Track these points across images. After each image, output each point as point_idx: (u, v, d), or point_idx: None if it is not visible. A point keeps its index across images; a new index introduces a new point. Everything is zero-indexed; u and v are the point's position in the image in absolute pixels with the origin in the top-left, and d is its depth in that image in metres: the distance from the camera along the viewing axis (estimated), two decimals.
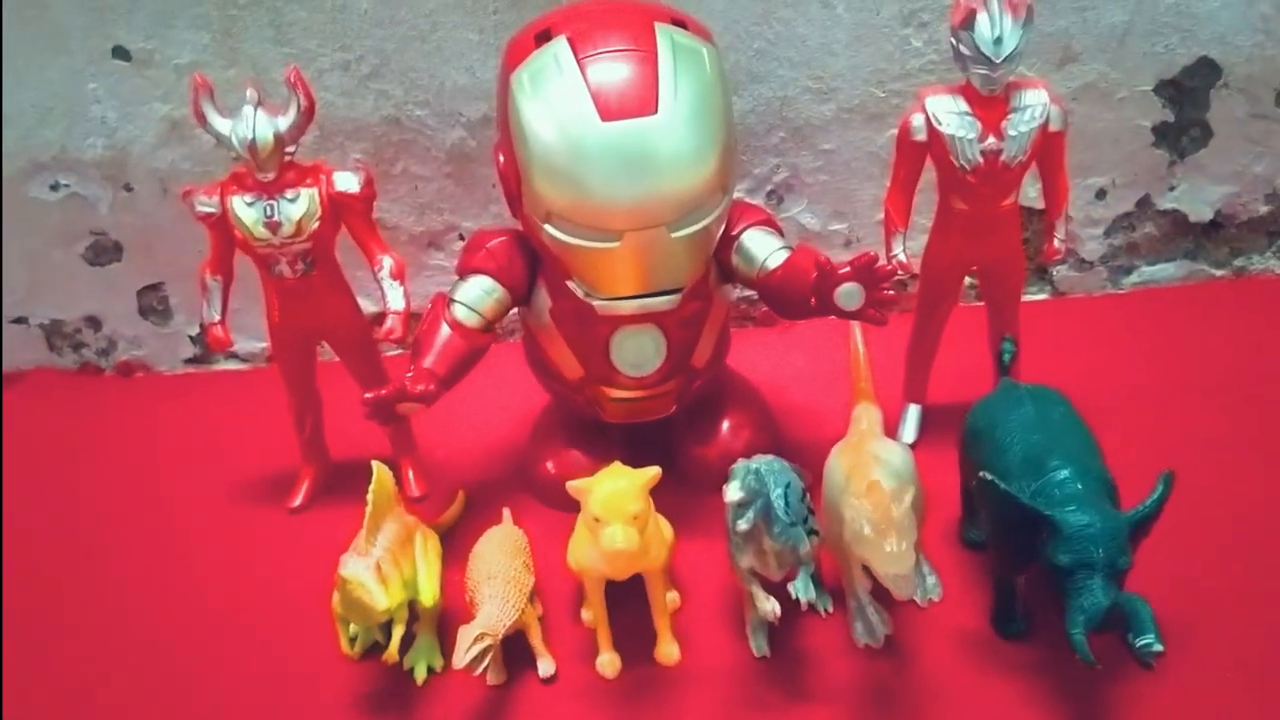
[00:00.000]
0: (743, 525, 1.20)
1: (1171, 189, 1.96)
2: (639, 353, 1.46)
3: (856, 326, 1.46)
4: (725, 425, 1.63)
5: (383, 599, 1.26)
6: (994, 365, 1.51)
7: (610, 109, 1.30)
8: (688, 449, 1.60)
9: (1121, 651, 1.13)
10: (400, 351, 1.94)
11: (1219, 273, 2.03)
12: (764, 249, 1.46)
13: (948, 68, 1.62)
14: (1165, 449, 1.52)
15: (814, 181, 1.93)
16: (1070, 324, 1.93)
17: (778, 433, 1.67)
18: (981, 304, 1.64)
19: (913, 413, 1.69)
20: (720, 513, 1.31)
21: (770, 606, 1.25)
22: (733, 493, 1.20)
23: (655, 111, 1.31)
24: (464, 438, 1.78)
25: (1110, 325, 1.93)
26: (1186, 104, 1.89)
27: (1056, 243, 1.56)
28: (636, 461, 1.29)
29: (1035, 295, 2.02)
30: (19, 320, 2.05)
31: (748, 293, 1.84)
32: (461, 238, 1.94)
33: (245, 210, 1.48)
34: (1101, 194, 1.95)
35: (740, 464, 1.24)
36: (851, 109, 1.86)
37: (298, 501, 1.68)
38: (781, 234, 1.51)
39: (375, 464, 1.35)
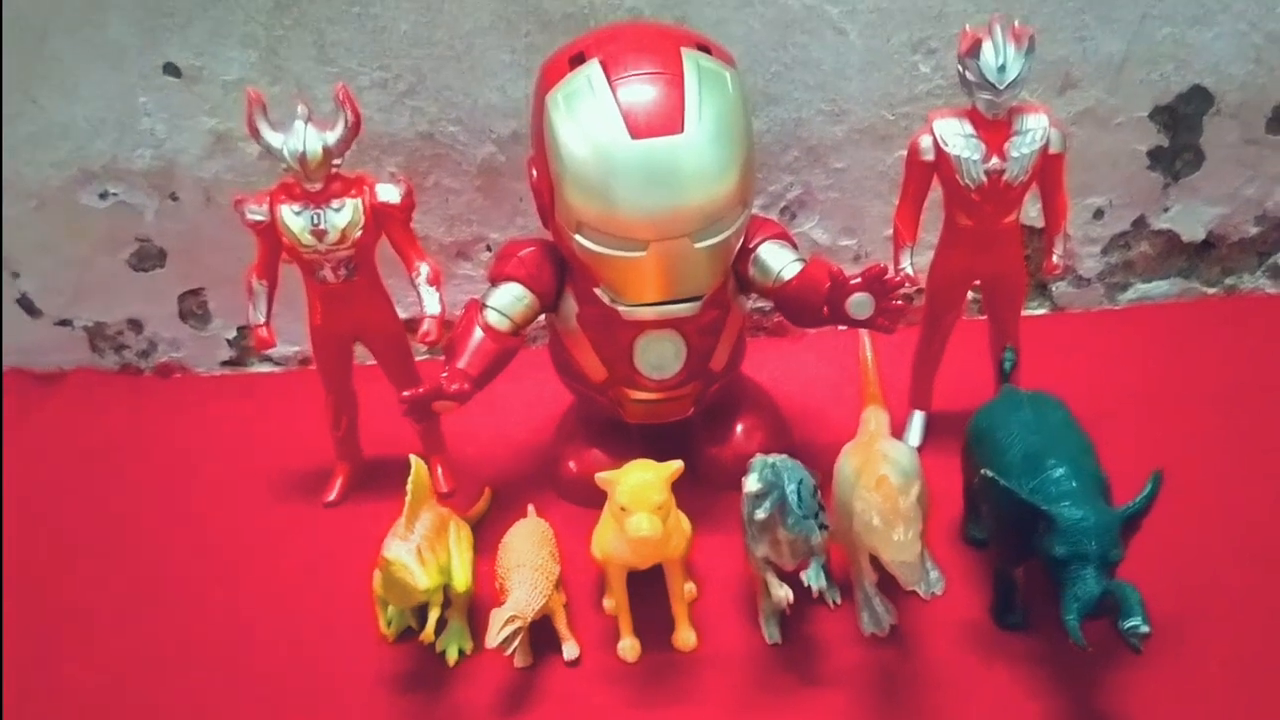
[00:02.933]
0: (760, 515, 1.25)
1: (1166, 210, 1.98)
2: (661, 356, 1.50)
3: (865, 335, 1.51)
4: (740, 427, 1.66)
5: (424, 579, 1.30)
6: (995, 374, 1.55)
7: (639, 128, 1.35)
8: (704, 449, 1.65)
9: (1115, 642, 1.17)
10: (429, 357, 1.96)
11: (1211, 290, 2.06)
12: (779, 261, 1.51)
13: (953, 92, 1.66)
14: (1157, 454, 1.51)
15: (825, 198, 1.95)
16: (1068, 337, 1.95)
17: (789, 436, 1.71)
18: (984, 318, 1.68)
19: (917, 419, 1.73)
20: (735, 509, 1.34)
21: (784, 593, 1.29)
22: (751, 484, 1.25)
23: (681, 130, 1.35)
24: (491, 438, 1.81)
25: (1106, 339, 1.95)
26: (1181, 129, 1.91)
27: (1055, 258, 1.58)
28: (655, 460, 1.33)
29: (1035, 310, 2.05)
30: (64, 322, 2.07)
31: (761, 304, 1.91)
32: (489, 249, 1.97)
33: (293, 219, 1.52)
34: (1099, 214, 1.98)
35: (758, 458, 1.29)
36: (862, 130, 1.89)
37: (332, 496, 1.70)
38: (795, 247, 1.55)
39: (413, 458, 1.40)
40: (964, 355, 1.69)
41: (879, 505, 1.21)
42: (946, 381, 1.71)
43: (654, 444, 1.56)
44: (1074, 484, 1.25)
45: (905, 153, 1.56)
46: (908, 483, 1.26)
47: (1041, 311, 2.07)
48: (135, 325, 2.09)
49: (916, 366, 1.72)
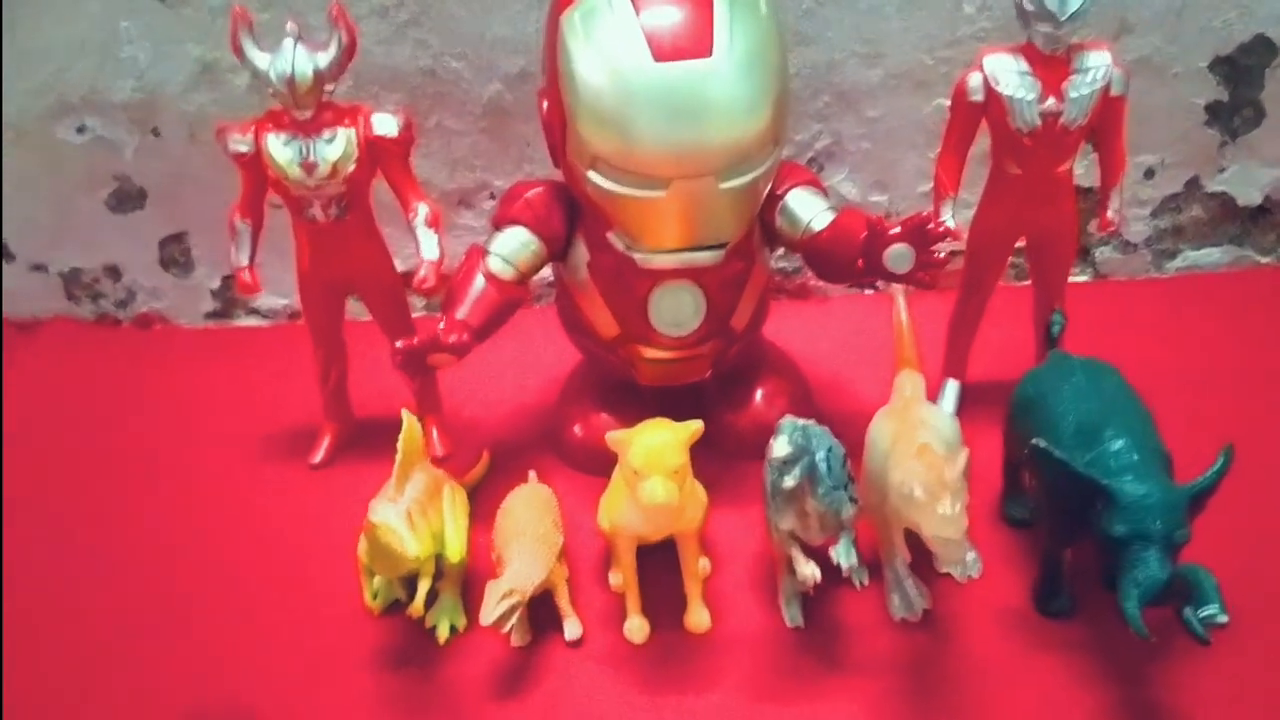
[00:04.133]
0: (789, 482, 1.18)
1: (1221, 171, 1.93)
2: (678, 311, 1.44)
3: (900, 294, 1.44)
4: (759, 394, 1.61)
5: (414, 546, 1.24)
6: (1040, 339, 1.49)
7: (664, 49, 1.28)
8: (720, 416, 1.58)
9: (1171, 630, 1.11)
10: (427, 312, 1.92)
11: (1265, 260, 2.00)
12: (809, 210, 1.45)
13: (1000, 37, 1.60)
14: (1206, 434, 1.49)
15: (856, 150, 1.90)
16: (1111, 307, 1.90)
17: (812, 404, 1.65)
18: (1021, 284, 1.63)
19: (951, 388, 1.67)
20: (752, 481, 1.31)
21: (810, 570, 1.22)
22: (780, 447, 1.18)
23: (710, 54, 1.29)
24: (490, 398, 1.77)
25: (1152, 310, 1.90)
26: (1241, 83, 1.85)
27: (1110, 213, 1.53)
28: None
29: (1077, 276, 1.98)
30: (38, 267, 2.03)
31: (782, 263, 1.89)
32: (493, 196, 1.92)
33: (280, 149, 1.46)
34: (1150, 173, 1.92)
35: (787, 420, 1.22)
36: (899, 75, 1.83)
37: (318, 458, 1.66)
38: (827, 195, 1.49)
39: (405, 413, 1.34)
40: (1000, 323, 1.65)
41: (921, 475, 1.14)
42: (981, 350, 1.67)
43: (667, 409, 1.46)
44: (1135, 457, 1.20)
45: (946, 101, 1.50)
46: (952, 452, 1.18)
47: (1084, 279, 2.01)
48: (113, 272, 2.04)
49: (952, 332, 1.66)
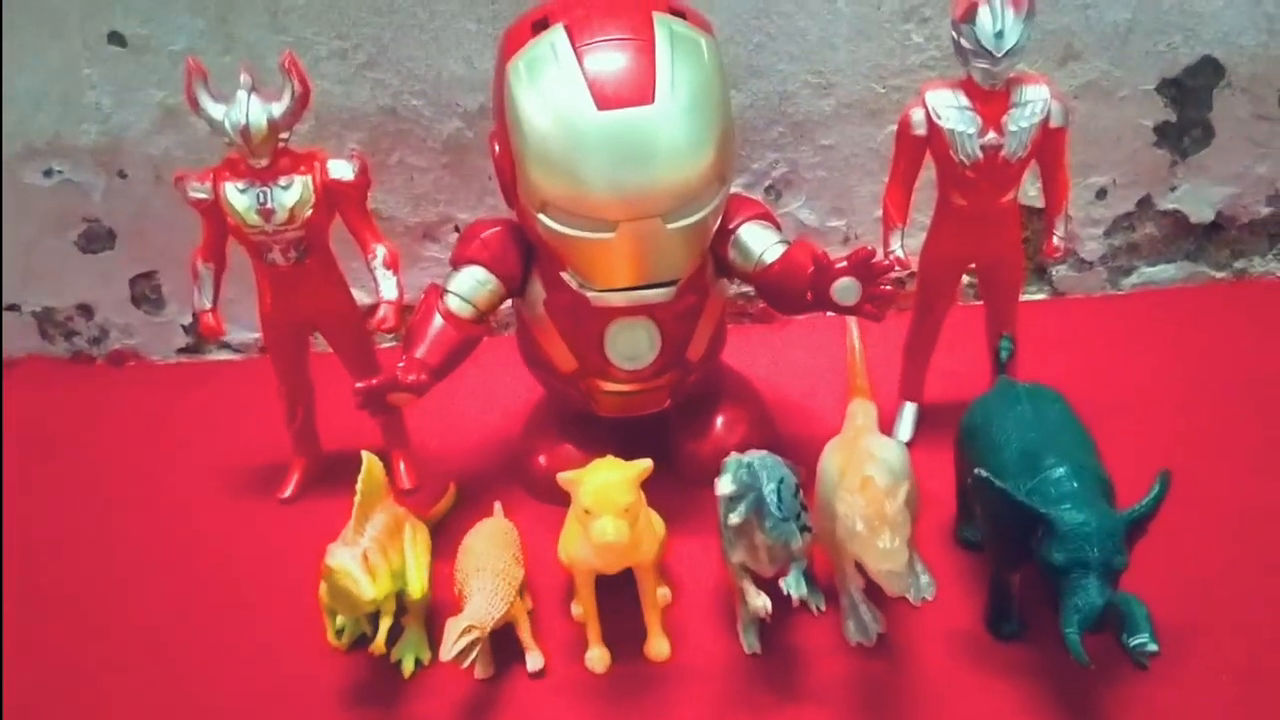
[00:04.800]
0: (734, 519, 1.19)
1: (1173, 189, 1.94)
2: (633, 345, 1.44)
3: (853, 322, 1.45)
4: (719, 420, 1.61)
5: (369, 589, 1.24)
6: (991, 364, 1.49)
7: (606, 98, 1.29)
8: (681, 444, 1.59)
9: (1118, 653, 1.12)
10: (394, 343, 1.92)
11: (1219, 275, 2.02)
12: (761, 243, 1.45)
13: (949, 64, 1.61)
14: (1162, 451, 1.51)
15: (813, 177, 1.91)
16: (1069, 324, 1.91)
17: (773, 429, 1.65)
18: (979, 303, 1.63)
19: (909, 411, 1.68)
20: (713, 508, 1.28)
21: (761, 602, 1.23)
22: (724, 486, 1.19)
23: (652, 101, 1.29)
24: (456, 431, 1.77)
25: (1109, 326, 1.91)
26: (1189, 104, 1.87)
27: (1056, 240, 1.54)
28: (629, 456, 1.28)
29: (1034, 295, 2.01)
30: (11, 308, 2.03)
31: (745, 288, 1.82)
32: (457, 230, 1.93)
33: (238, 197, 1.47)
34: (1102, 193, 1.94)
35: (733, 458, 1.22)
36: (851, 104, 1.85)
37: (288, 492, 1.66)
38: (779, 228, 1.49)
39: (365, 454, 1.34)
40: (958, 343, 1.65)
41: (862, 509, 1.15)
42: (940, 372, 1.67)
43: (629, 438, 1.50)
44: (1075, 485, 1.19)
45: (896, 128, 1.51)
46: (895, 484, 1.19)
47: (1040, 297, 2.02)
48: (85, 311, 2.05)
49: (907, 356, 1.67)
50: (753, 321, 2.00)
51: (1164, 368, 1.76)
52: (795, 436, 1.65)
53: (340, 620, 1.34)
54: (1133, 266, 2.01)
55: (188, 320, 2.04)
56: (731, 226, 1.45)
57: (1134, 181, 1.93)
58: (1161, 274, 2.01)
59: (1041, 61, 1.78)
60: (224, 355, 2.07)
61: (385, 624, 1.29)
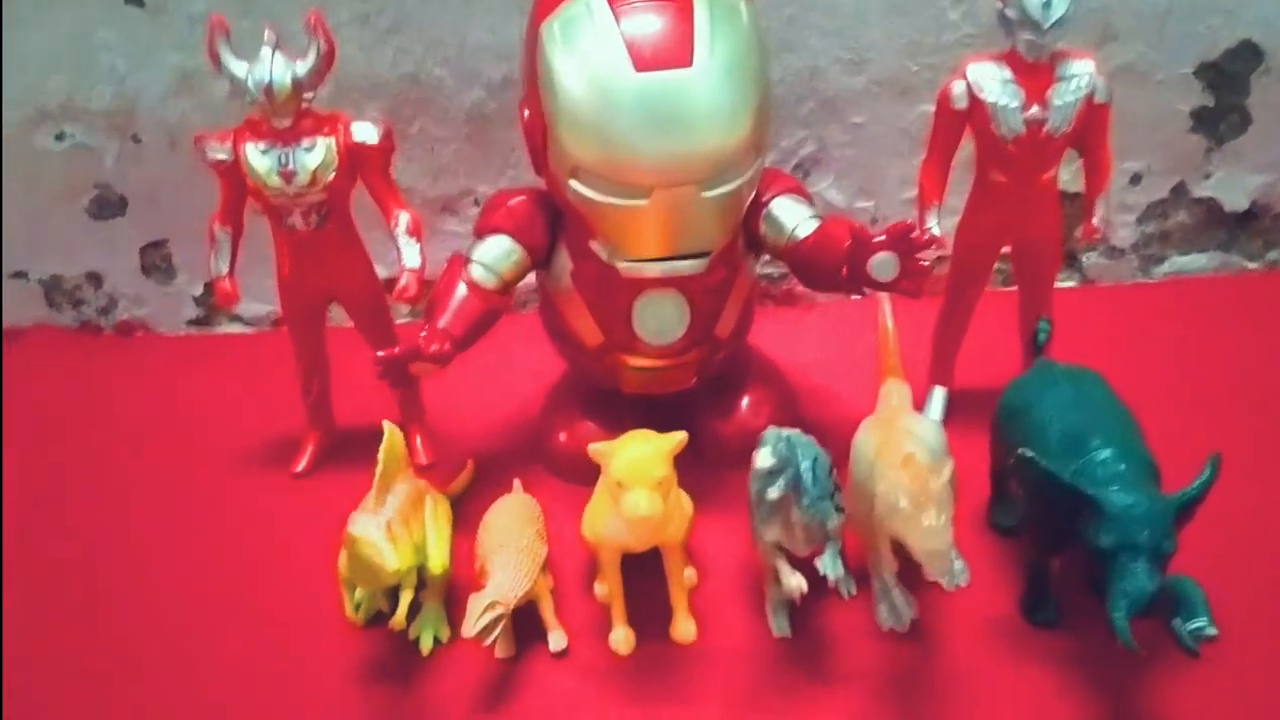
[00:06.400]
0: (773, 493, 1.16)
1: (1207, 176, 1.92)
2: (661, 319, 1.43)
3: (886, 301, 1.43)
4: (745, 401, 1.59)
5: (393, 559, 1.21)
6: (1026, 347, 1.48)
7: (644, 59, 1.27)
8: (706, 424, 1.56)
9: (1159, 640, 1.10)
10: (411, 319, 1.89)
11: (1252, 265, 1.99)
12: (794, 217, 1.43)
13: (985, 43, 1.58)
14: (1192, 441, 1.47)
15: (841, 156, 1.89)
16: (1099, 312, 1.89)
17: (798, 411, 1.63)
18: (1008, 289, 1.61)
19: (938, 395, 1.66)
20: (739, 489, 1.28)
21: (796, 582, 1.21)
22: (764, 458, 1.16)
23: (690, 64, 1.27)
24: (475, 406, 1.74)
25: (1139, 315, 1.89)
26: (1226, 88, 1.84)
27: (1096, 221, 1.51)
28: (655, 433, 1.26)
29: (1064, 282, 1.96)
30: (19, 275, 2.00)
31: (768, 269, 1.86)
32: (477, 203, 1.90)
33: (259, 158, 1.44)
34: (1136, 179, 1.91)
35: (771, 431, 1.20)
36: (883, 82, 1.82)
37: (301, 467, 1.64)
38: (811, 202, 1.48)
39: (386, 424, 1.32)
40: (987, 329, 1.62)
41: (906, 486, 1.13)
42: (969, 356, 1.65)
43: (652, 416, 1.46)
44: (1122, 467, 1.18)
45: (930, 107, 1.49)
46: (938, 462, 1.17)
47: (1070, 284, 1.99)
48: (95, 279, 2.02)
49: (938, 339, 1.65)
50: (775, 304, 1.97)
51: (1194, 359, 1.74)
52: (820, 420, 1.62)
53: (358, 595, 1.32)
54: (1164, 255, 1.98)
55: (198, 291, 2.01)
56: (764, 200, 1.44)
57: (1169, 167, 1.91)
58: (1193, 263, 1.99)
59: (1079, 42, 1.70)
60: (235, 328, 2.04)
61: (406, 598, 1.27)
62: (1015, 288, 1.61)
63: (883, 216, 1.92)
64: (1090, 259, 1.98)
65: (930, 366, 1.66)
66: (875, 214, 1.93)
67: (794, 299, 1.96)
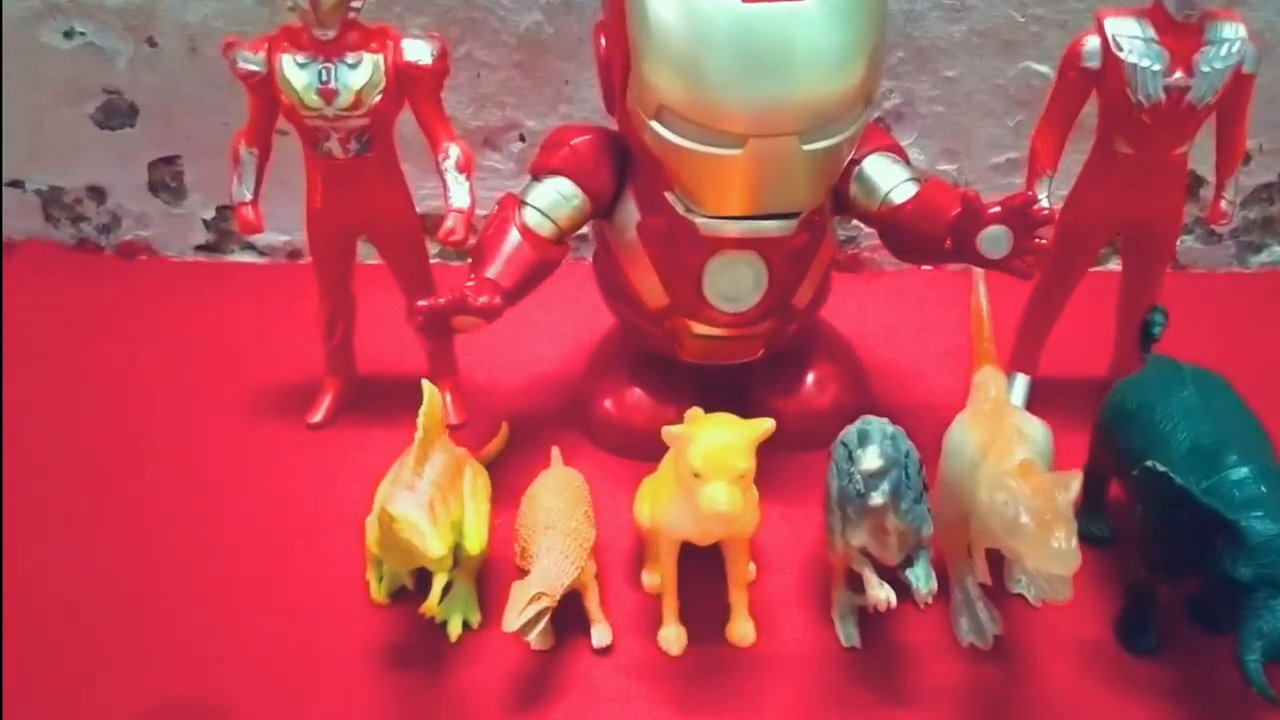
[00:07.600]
0: (878, 499, 1.06)
1: None
2: (736, 284, 1.34)
3: (981, 280, 1.34)
4: (811, 378, 1.52)
5: (436, 545, 1.12)
6: (1137, 339, 1.37)
7: None
8: (765, 400, 1.46)
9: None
10: (441, 260, 1.80)
11: None
12: (889, 179, 1.35)
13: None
14: None
15: (928, 113, 1.79)
16: (1188, 301, 1.71)
17: (867, 392, 1.55)
18: (1102, 269, 1.54)
19: (1020, 383, 1.57)
20: (801, 475, 1.25)
21: (885, 594, 1.12)
22: (869, 459, 1.06)
23: None
24: (510, 362, 1.67)
25: (1232, 306, 1.82)
26: None
27: (1224, 204, 1.43)
28: (706, 408, 1.19)
29: None
30: (15, 184, 1.92)
31: None
32: (523, 139, 1.81)
33: (296, 72, 1.34)
34: (1246, 158, 1.73)
35: (874, 424, 1.11)
36: (984, 33, 1.72)
37: (318, 417, 1.56)
38: (909, 163, 1.39)
39: (426, 384, 1.23)
40: (1073, 312, 1.54)
41: (1029, 500, 1.02)
42: (1051, 342, 1.58)
43: (705, 388, 1.42)
44: (1263, 489, 1.09)
45: (1033, 64, 1.45)
46: (1067, 475, 1.06)
47: None
48: (97, 194, 1.93)
49: (1026, 323, 1.57)
50: (838, 270, 1.85)
51: None
52: (891, 405, 1.52)
53: (382, 569, 1.25)
54: (1264, 244, 1.90)
55: (210, 214, 1.92)
56: (856, 157, 1.36)
57: None
58: None
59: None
60: (248, 257, 1.96)
61: (440, 581, 1.18)
62: (1112, 268, 1.53)
63: (967, 181, 1.84)
64: (1184, 242, 1.89)
65: (1013, 351, 1.57)
66: (958, 178, 1.85)
67: (859, 265, 1.88)
